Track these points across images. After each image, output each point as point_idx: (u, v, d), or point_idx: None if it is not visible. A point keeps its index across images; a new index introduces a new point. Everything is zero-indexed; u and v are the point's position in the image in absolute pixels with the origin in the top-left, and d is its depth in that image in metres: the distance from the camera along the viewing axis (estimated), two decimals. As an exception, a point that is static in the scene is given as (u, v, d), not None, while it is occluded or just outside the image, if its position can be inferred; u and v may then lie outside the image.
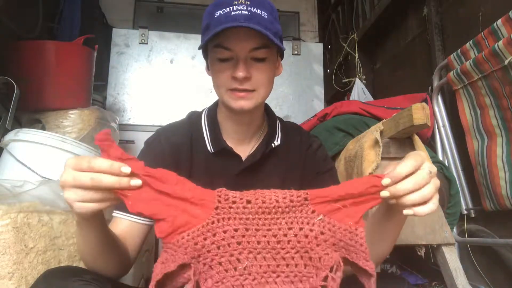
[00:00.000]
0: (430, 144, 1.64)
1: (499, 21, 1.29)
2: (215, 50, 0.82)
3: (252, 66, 0.81)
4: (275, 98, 2.49)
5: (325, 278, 0.52)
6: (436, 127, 1.66)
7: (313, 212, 0.53)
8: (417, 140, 1.24)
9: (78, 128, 1.57)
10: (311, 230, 0.53)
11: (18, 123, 1.56)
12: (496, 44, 1.23)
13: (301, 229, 0.53)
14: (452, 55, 1.53)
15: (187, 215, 0.53)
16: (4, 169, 1.35)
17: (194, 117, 0.96)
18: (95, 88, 1.97)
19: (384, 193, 0.55)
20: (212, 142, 0.90)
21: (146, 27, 2.46)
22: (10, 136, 1.36)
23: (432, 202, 0.56)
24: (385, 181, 0.54)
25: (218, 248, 0.52)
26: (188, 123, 0.95)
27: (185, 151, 0.90)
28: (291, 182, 0.87)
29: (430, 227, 1.20)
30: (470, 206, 1.52)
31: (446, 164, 1.55)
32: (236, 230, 0.53)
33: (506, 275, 1.38)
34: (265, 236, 0.53)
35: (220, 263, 0.52)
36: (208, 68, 0.90)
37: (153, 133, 0.94)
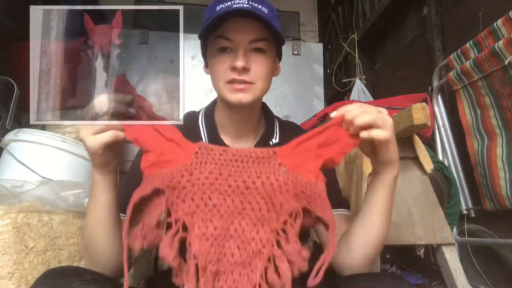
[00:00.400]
0: (430, 144, 1.64)
1: (499, 21, 1.29)
2: (216, 41, 0.82)
3: (251, 58, 0.81)
4: (275, 98, 2.49)
5: (285, 223, 0.58)
6: (436, 127, 1.66)
7: (280, 164, 0.61)
8: (417, 140, 1.24)
9: (78, 128, 1.57)
10: (276, 180, 0.59)
11: (18, 123, 1.56)
12: (496, 44, 1.23)
13: (267, 178, 0.59)
14: (452, 55, 1.53)
15: (171, 154, 0.60)
16: (4, 169, 1.35)
17: (190, 117, 0.96)
18: (95, 88, 1.97)
19: (333, 113, 0.64)
20: (209, 141, 0.90)
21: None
22: (10, 136, 1.37)
23: (386, 130, 0.63)
24: (333, 114, 0.64)
25: (193, 185, 0.59)
26: (184, 123, 0.94)
27: None
28: None
29: (430, 227, 1.20)
30: (470, 206, 1.52)
31: (446, 164, 1.55)
32: (210, 173, 0.60)
33: (506, 275, 1.38)
34: (235, 181, 0.60)
35: (192, 199, 0.58)
36: (206, 66, 0.89)
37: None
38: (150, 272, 1.67)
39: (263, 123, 0.95)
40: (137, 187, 0.62)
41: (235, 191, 0.59)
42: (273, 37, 0.83)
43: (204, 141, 0.90)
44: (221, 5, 0.79)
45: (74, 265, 1.14)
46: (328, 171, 0.93)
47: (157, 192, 0.59)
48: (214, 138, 0.90)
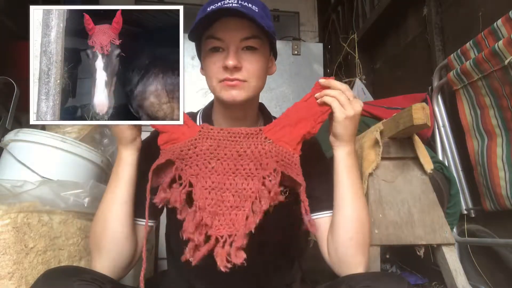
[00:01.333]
0: (430, 144, 1.64)
1: (499, 21, 1.29)
2: (207, 41, 0.82)
3: (243, 57, 0.81)
4: (275, 98, 2.49)
5: (269, 175, 0.74)
6: (436, 127, 1.66)
7: (265, 138, 0.78)
8: (417, 140, 1.24)
9: (78, 128, 1.57)
10: (263, 149, 0.77)
11: (18, 123, 1.56)
12: (496, 44, 1.23)
13: (256, 147, 0.77)
14: (452, 55, 1.53)
15: (179, 132, 0.78)
16: (4, 169, 1.35)
17: (190, 116, 0.96)
18: (95, 88, 1.97)
19: (322, 80, 0.83)
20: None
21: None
22: (10, 136, 1.36)
23: (345, 110, 0.78)
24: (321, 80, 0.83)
25: (197, 155, 0.76)
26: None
27: None
28: None
29: (430, 227, 1.20)
30: (470, 206, 1.52)
31: (446, 164, 1.55)
32: (210, 145, 0.77)
33: (506, 275, 1.38)
34: (230, 151, 0.77)
35: (196, 165, 0.76)
36: (202, 67, 0.89)
37: (149, 133, 0.95)
38: (150, 272, 1.67)
39: (261, 123, 0.95)
40: (141, 185, 0.77)
41: (230, 157, 0.76)
42: (264, 35, 0.83)
43: None
44: (211, 6, 0.79)
45: (74, 265, 1.14)
46: (324, 170, 0.92)
47: (170, 162, 0.75)
48: None
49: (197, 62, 2.70)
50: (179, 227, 0.74)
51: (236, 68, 0.80)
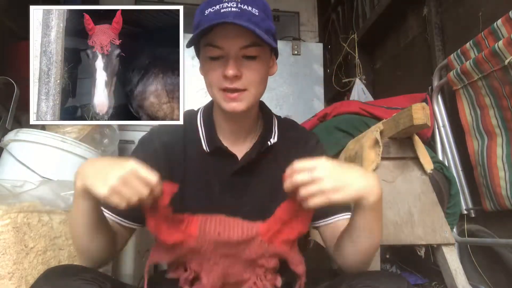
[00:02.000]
0: (430, 144, 1.64)
1: (499, 21, 1.29)
2: (206, 49, 0.81)
3: (243, 65, 0.79)
4: (275, 98, 2.49)
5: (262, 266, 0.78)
6: (436, 127, 1.66)
7: (261, 241, 0.76)
8: (417, 140, 1.24)
9: (78, 128, 1.57)
10: (255, 253, 0.77)
11: (18, 123, 1.56)
12: (496, 44, 1.23)
13: (249, 252, 0.77)
14: (452, 55, 1.53)
15: (176, 237, 0.74)
16: (4, 169, 1.35)
17: (189, 116, 0.95)
18: (95, 88, 1.97)
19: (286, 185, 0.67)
20: (208, 142, 0.89)
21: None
22: (10, 136, 1.36)
23: (321, 195, 0.63)
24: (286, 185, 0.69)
25: (198, 254, 0.77)
26: (184, 122, 0.93)
27: (178, 151, 0.89)
28: None
29: (430, 227, 1.20)
30: (470, 206, 1.52)
31: (446, 164, 1.55)
32: (209, 248, 0.77)
33: (506, 275, 1.38)
34: (227, 254, 0.78)
35: (199, 261, 0.78)
36: (201, 68, 0.88)
37: (147, 131, 0.94)
38: (151, 272, 1.67)
39: (261, 122, 0.94)
40: None
41: (228, 258, 0.78)
42: (265, 41, 0.81)
43: (203, 141, 0.90)
44: (209, 9, 0.77)
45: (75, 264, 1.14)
46: None
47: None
48: (212, 138, 0.89)
49: (197, 62, 2.69)
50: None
51: (236, 77, 0.78)
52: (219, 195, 0.88)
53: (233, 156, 0.88)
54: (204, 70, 0.85)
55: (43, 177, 1.29)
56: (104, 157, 0.68)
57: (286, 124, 0.99)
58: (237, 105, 0.80)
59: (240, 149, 0.90)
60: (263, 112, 0.96)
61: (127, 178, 0.62)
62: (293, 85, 2.55)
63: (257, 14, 0.77)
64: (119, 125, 1.91)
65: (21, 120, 1.59)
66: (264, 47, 0.82)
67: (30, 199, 1.10)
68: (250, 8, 0.77)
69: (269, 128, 0.93)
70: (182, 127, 0.92)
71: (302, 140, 0.94)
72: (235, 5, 0.76)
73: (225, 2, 0.77)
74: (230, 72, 0.77)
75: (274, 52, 0.90)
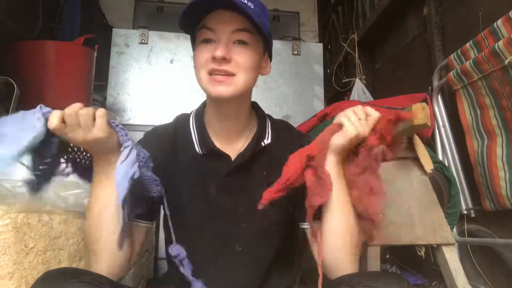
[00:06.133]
0: (430, 144, 1.64)
1: (499, 21, 1.28)
2: (200, 32, 0.83)
3: (233, 50, 0.80)
4: (275, 98, 2.49)
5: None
6: (436, 127, 1.66)
7: None
8: (417, 140, 1.24)
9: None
10: None
11: (18, 123, 1.55)
12: (496, 44, 1.23)
13: None
14: (452, 55, 1.53)
15: None
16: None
17: (181, 120, 0.95)
18: (95, 88, 1.97)
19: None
20: (200, 144, 0.89)
21: (146, 27, 2.46)
22: (10, 136, 1.36)
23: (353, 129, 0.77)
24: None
25: None
26: (174, 126, 0.94)
27: (169, 154, 0.89)
28: None
29: (430, 227, 1.20)
30: (470, 206, 1.52)
31: (446, 164, 1.54)
32: None
33: (506, 275, 1.38)
34: None
35: None
36: (193, 57, 0.89)
37: (143, 135, 0.95)
38: (150, 273, 1.67)
39: (254, 122, 0.94)
40: None
41: None
42: (257, 31, 0.82)
43: (195, 143, 0.90)
44: None
45: (74, 265, 1.14)
46: None
47: None
48: (204, 140, 0.89)
49: (197, 62, 2.64)
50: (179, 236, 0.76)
51: (225, 60, 0.79)
52: (215, 196, 0.88)
53: (227, 156, 0.88)
54: (195, 54, 0.86)
55: (43, 177, 1.28)
56: None
57: (280, 125, 0.99)
58: (224, 89, 0.80)
59: (233, 149, 0.90)
60: (256, 113, 0.96)
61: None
62: (293, 85, 2.54)
63: (252, 7, 0.79)
64: (119, 125, 1.91)
65: (21, 120, 1.59)
66: (257, 38, 0.83)
67: (30, 199, 1.10)
68: (246, 1, 0.79)
69: (262, 129, 0.93)
70: (173, 130, 0.93)
71: (296, 143, 0.93)
72: None
73: None
74: (219, 53, 0.77)
75: (268, 53, 0.90)
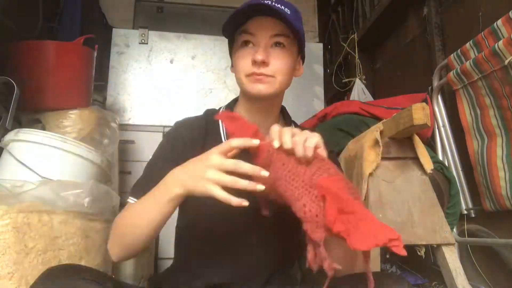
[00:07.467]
0: (430, 144, 1.64)
1: (499, 21, 1.29)
2: (240, 36, 0.88)
3: (271, 53, 0.85)
4: (275, 98, 2.48)
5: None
6: (436, 127, 1.66)
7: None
8: (417, 140, 1.24)
9: (78, 128, 1.57)
10: None
11: (18, 123, 1.56)
12: (496, 44, 1.23)
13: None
14: (452, 55, 1.53)
15: None
16: (4, 169, 1.35)
17: (211, 113, 0.98)
18: (95, 88, 1.96)
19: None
20: (227, 137, 0.91)
21: (146, 27, 2.46)
22: (10, 136, 1.36)
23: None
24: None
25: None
26: (205, 118, 0.98)
27: (199, 143, 0.92)
28: None
29: (430, 227, 1.20)
30: (470, 206, 1.52)
31: (446, 164, 1.54)
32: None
33: (506, 275, 1.38)
34: None
35: None
36: (232, 61, 0.94)
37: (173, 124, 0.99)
38: (150, 272, 1.67)
39: (281, 123, 0.99)
40: (158, 177, 0.76)
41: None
42: (294, 36, 0.88)
43: (222, 136, 0.93)
44: (252, 1, 0.84)
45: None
46: None
47: None
48: None
49: (197, 62, 2.70)
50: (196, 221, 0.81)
51: (264, 63, 0.84)
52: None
53: None
54: (234, 58, 0.91)
55: (43, 177, 1.29)
56: (189, 161, 0.75)
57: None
58: (263, 87, 0.86)
59: None
60: (284, 116, 1.01)
61: (219, 167, 0.68)
62: (293, 85, 2.52)
63: (289, 13, 0.85)
64: (119, 125, 1.91)
65: (21, 120, 1.59)
66: (293, 42, 0.89)
67: (30, 199, 1.10)
68: (283, 7, 0.85)
69: None
70: (204, 121, 0.97)
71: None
72: (271, 2, 0.84)
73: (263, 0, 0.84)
74: (259, 57, 0.83)
75: (301, 55, 0.97)
